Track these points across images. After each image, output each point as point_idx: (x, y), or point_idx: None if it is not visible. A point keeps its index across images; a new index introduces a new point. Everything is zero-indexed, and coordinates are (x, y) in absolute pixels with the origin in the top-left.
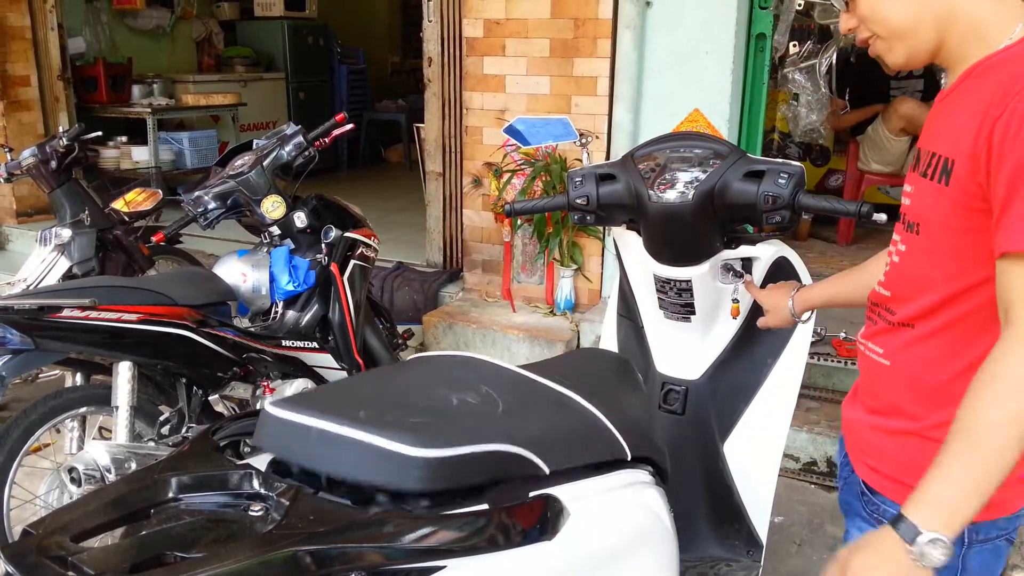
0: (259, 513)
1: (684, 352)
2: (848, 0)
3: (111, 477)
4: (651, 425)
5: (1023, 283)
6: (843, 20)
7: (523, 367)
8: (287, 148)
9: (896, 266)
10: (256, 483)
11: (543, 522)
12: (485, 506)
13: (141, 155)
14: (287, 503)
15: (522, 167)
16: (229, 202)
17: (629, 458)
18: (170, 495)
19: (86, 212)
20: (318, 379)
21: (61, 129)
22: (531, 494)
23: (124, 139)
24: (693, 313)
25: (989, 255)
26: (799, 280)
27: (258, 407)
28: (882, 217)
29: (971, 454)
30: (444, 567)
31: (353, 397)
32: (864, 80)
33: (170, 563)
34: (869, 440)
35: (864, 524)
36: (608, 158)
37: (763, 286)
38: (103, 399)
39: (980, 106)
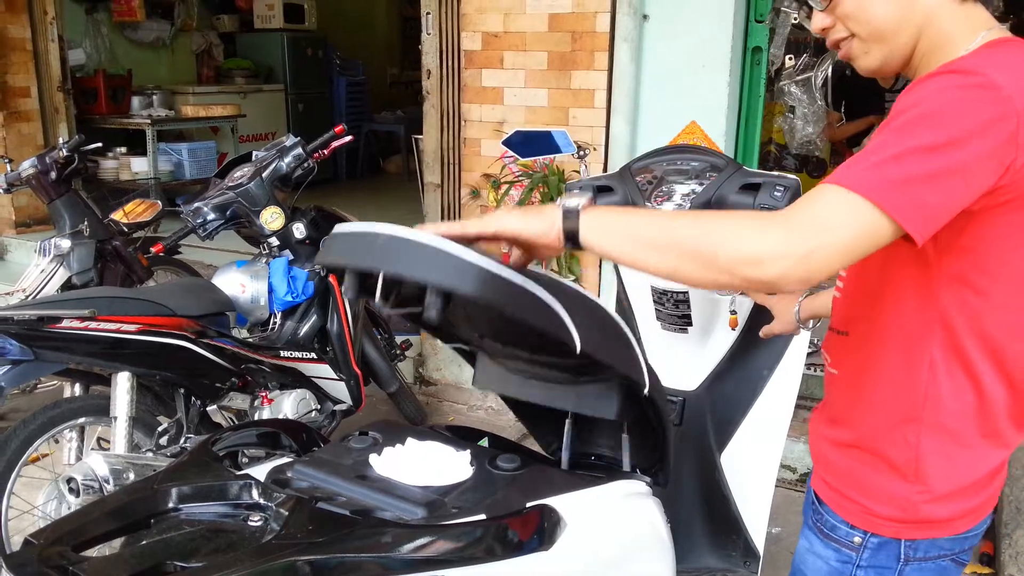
0: (258, 523)
1: (681, 363)
2: None
3: (109, 488)
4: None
5: (812, 200)
6: (816, 19)
7: None
8: (286, 160)
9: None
10: (255, 493)
11: (540, 532)
12: (482, 516)
13: (140, 166)
14: (286, 513)
15: (520, 179)
16: (228, 213)
17: (646, 388)
18: (170, 505)
19: (85, 223)
20: (317, 390)
21: (61, 140)
22: (527, 504)
23: (123, 150)
24: (690, 324)
25: (896, 262)
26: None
27: (255, 417)
28: None
29: (647, 218)
30: None
31: None
32: (860, 92)
33: (170, 572)
34: (822, 450)
35: (810, 534)
36: (605, 170)
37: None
38: (102, 410)
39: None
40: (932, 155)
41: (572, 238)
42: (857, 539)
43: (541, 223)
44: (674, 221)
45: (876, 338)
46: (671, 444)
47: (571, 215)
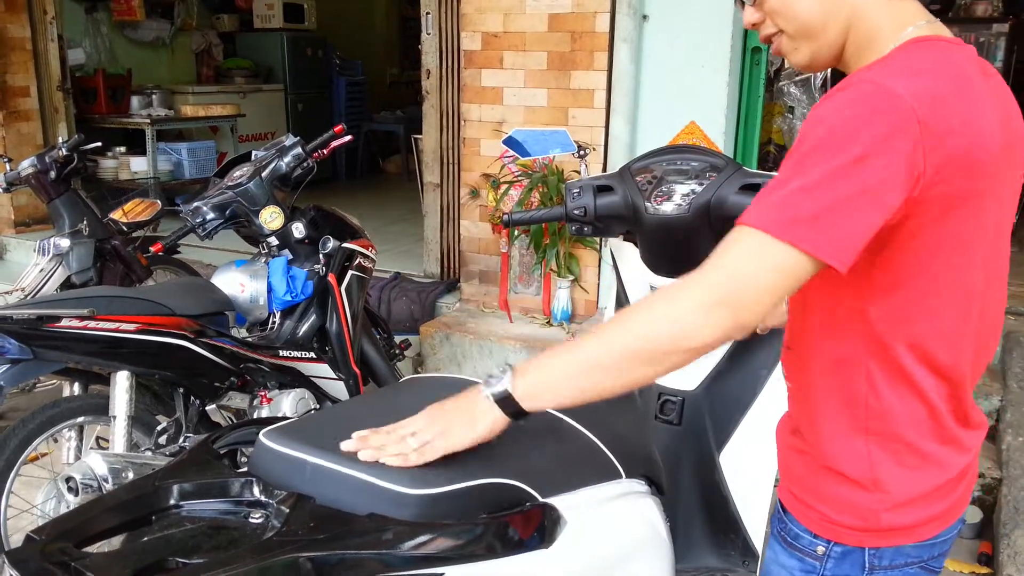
0: (259, 520)
1: None
2: None
3: (108, 486)
4: (645, 440)
5: (727, 247)
6: (747, 14)
7: None
8: (285, 159)
9: None
10: (256, 490)
11: (540, 530)
12: (483, 514)
13: (140, 166)
14: (287, 510)
15: (519, 178)
16: (227, 213)
17: (623, 477)
18: (171, 502)
19: (85, 222)
20: (316, 389)
21: (60, 139)
22: (528, 503)
23: (123, 150)
24: None
25: (820, 281)
26: None
27: (254, 416)
28: None
29: (574, 351)
30: (442, 574)
31: (346, 427)
32: None
33: (172, 569)
34: (786, 458)
35: (775, 543)
36: (605, 170)
37: None
38: (101, 409)
39: None
40: (837, 181)
41: (520, 415)
42: (820, 548)
43: (484, 423)
44: (601, 342)
45: (814, 353)
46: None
47: (506, 401)
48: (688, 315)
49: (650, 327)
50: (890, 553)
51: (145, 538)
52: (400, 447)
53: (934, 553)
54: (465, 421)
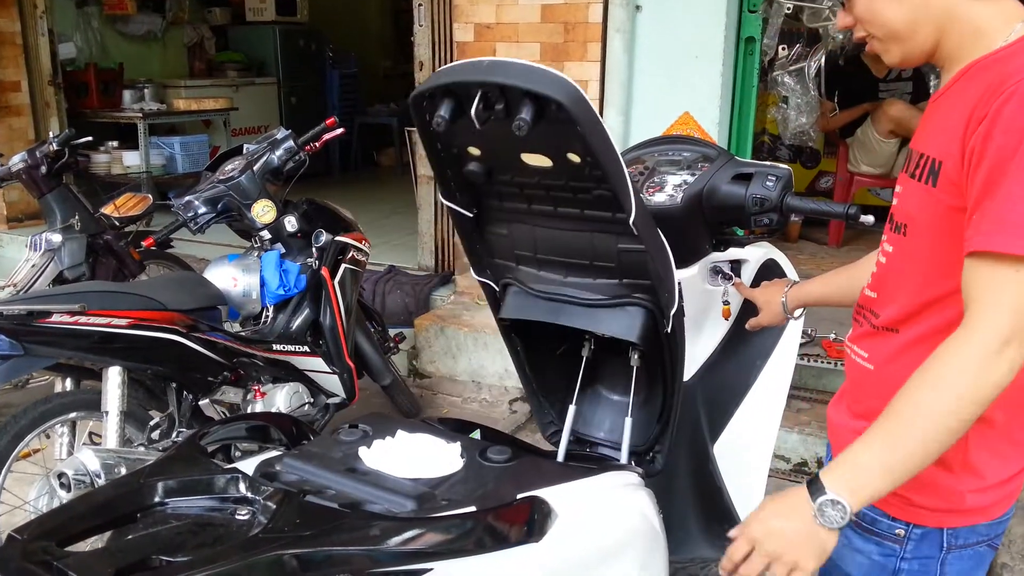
0: (246, 517)
1: None
2: (844, 1)
3: (101, 482)
4: None
5: (985, 284)
6: (840, 17)
7: None
8: (277, 152)
9: (883, 267)
10: (243, 487)
11: (530, 524)
12: (472, 508)
13: (132, 160)
14: (273, 507)
15: None
16: (220, 207)
17: (674, 306)
18: (156, 499)
19: (76, 217)
20: (309, 383)
21: (51, 134)
22: (518, 496)
23: (115, 144)
24: (683, 315)
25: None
26: None
27: (248, 411)
28: (869, 219)
29: (894, 434)
30: (431, 569)
31: None
32: (853, 82)
33: (156, 567)
34: (847, 442)
35: (846, 530)
36: None
37: (752, 288)
38: (93, 404)
39: (968, 107)
40: None
41: (840, 513)
42: (900, 531)
43: (831, 545)
44: (916, 425)
45: (932, 341)
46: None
47: (835, 518)
48: (987, 365)
49: (958, 395)
50: (965, 532)
51: (129, 536)
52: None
53: (999, 531)
54: (814, 550)
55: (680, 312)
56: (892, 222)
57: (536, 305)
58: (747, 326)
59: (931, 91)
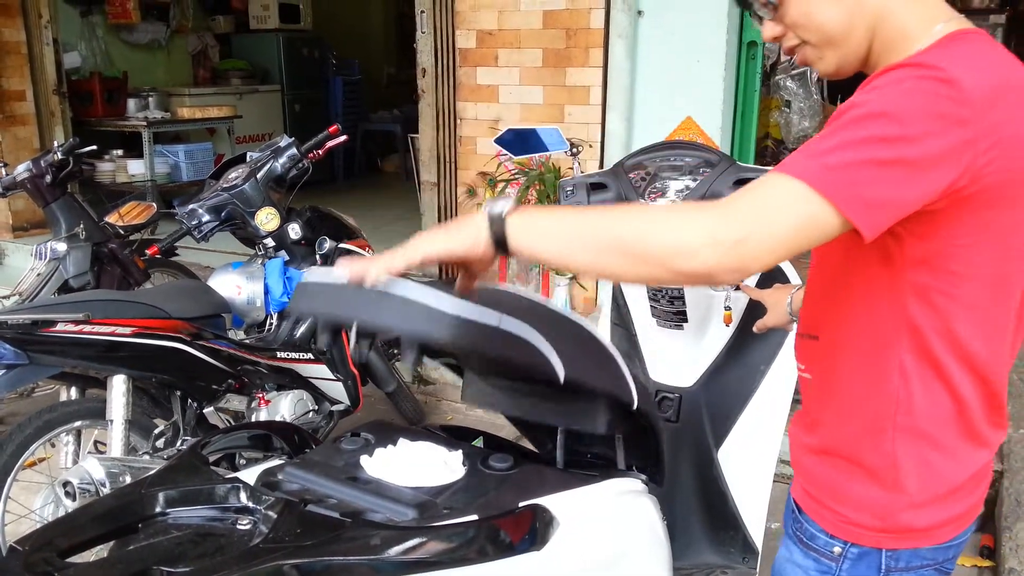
0: (247, 527)
1: (677, 360)
2: (775, 6)
3: (106, 491)
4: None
5: (755, 185)
6: (767, 28)
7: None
8: (281, 160)
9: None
10: (244, 496)
11: (532, 532)
12: (474, 516)
13: (137, 168)
14: (275, 516)
15: (516, 176)
16: (224, 215)
17: (634, 404)
18: (158, 510)
19: (81, 226)
20: (314, 390)
21: (56, 143)
22: (520, 504)
23: (120, 153)
24: (685, 321)
25: (860, 265)
26: None
27: (252, 419)
28: None
29: (576, 214)
30: None
31: None
32: (855, 86)
33: None
34: (800, 457)
35: (790, 543)
36: (601, 167)
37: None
38: (98, 413)
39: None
40: (883, 146)
41: (501, 244)
42: (837, 549)
43: (466, 236)
44: (604, 217)
45: (845, 343)
46: (665, 449)
47: (496, 220)
48: (695, 235)
49: (653, 228)
50: (907, 555)
51: (131, 547)
52: (384, 262)
53: (949, 556)
54: (447, 231)
55: (643, 396)
56: None
57: (498, 397)
58: (755, 328)
59: None
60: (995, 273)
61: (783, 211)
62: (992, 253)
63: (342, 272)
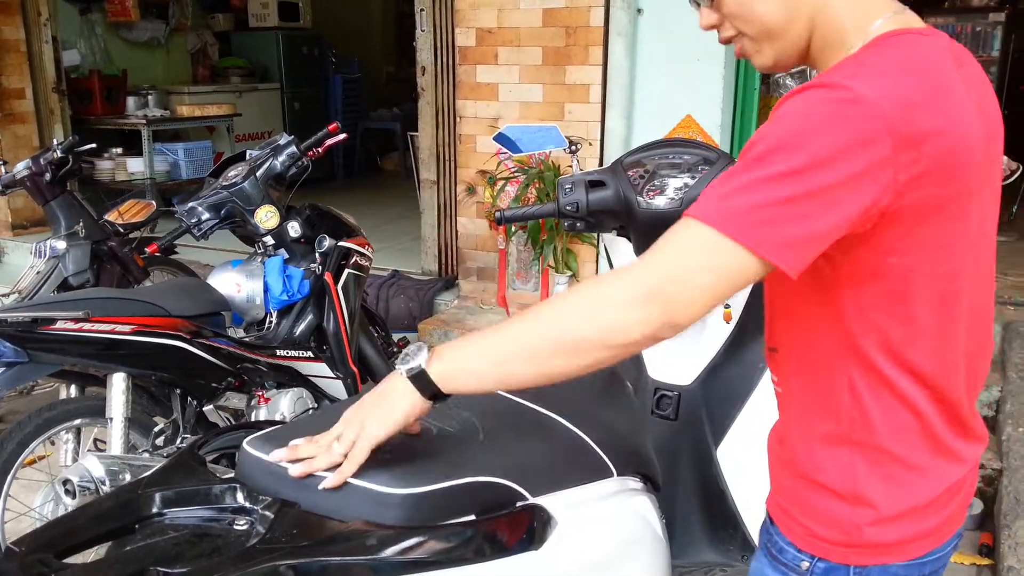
0: (244, 527)
1: (676, 357)
2: None
3: (106, 489)
4: (639, 437)
5: (667, 238)
6: (703, 16)
7: None
8: (280, 158)
9: None
10: (241, 497)
11: (530, 532)
12: (472, 517)
13: (136, 166)
14: (271, 516)
15: (516, 174)
16: (223, 213)
17: (615, 475)
18: (155, 510)
19: (81, 224)
20: (313, 388)
21: (55, 141)
22: (517, 504)
23: (119, 151)
24: None
25: (798, 288)
26: None
27: (252, 417)
28: None
29: (496, 334)
30: None
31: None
32: None
33: None
34: (773, 468)
35: (761, 555)
36: (601, 164)
37: (753, 291)
38: (98, 411)
39: None
40: (790, 181)
41: (436, 397)
42: (805, 564)
43: (401, 407)
44: (526, 327)
45: (796, 358)
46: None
47: (421, 378)
48: (616, 309)
49: (576, 318)
50: (876, 572)
51: (127, 547)
52: (329, 457)
53: (925, 572)
54: (382, 410)
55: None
56: None
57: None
58: None
59: None
60: (938, 290)
61: (701, 264)
62: (931, 270)
63: (283, 455)
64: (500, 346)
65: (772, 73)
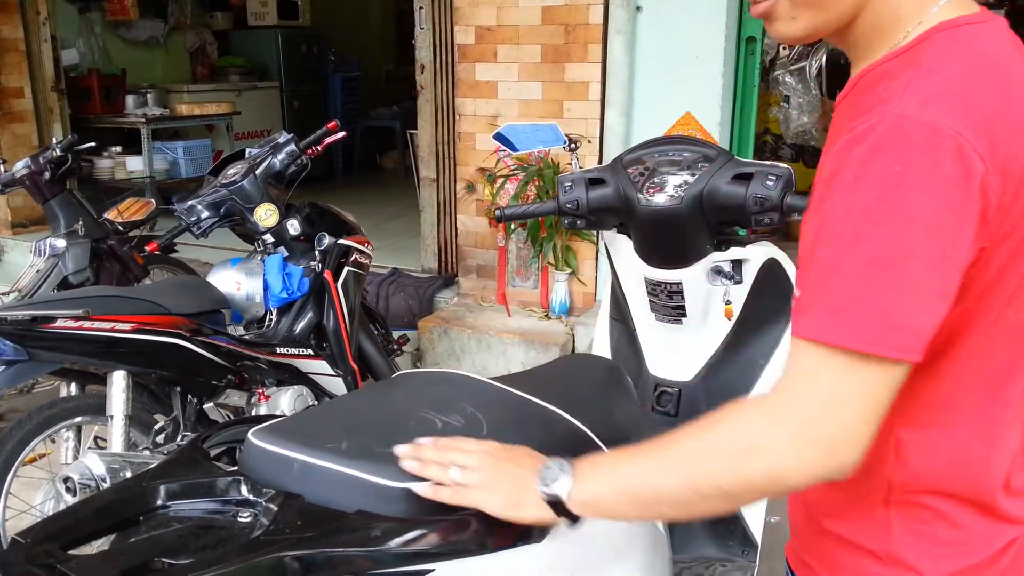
0: (247, 519)
1: (677, 354)
2: None
3: (106, 486)
4: (640, 433)
5: (799, 366)
6: None
7: (508, 379)
8: (279, 156)
9: None
10: (245, 489)
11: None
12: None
13: (136, 165)
14: (275, 508)
15: (515, 172)
16: (222, 211)
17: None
18: (159, 502)
19: (80, 222)
20: (314, 386)
21: (55, 140)
22: None
23: (119, 149)
24: (684, 315)
25: None
26: (789, 282)
27: (252, 414)
28: None
29: (648, 472)
30: (433, 570)
31: (336, 424)
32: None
33: (158, 570)
34: (795, 515)
35: None
36: (600, 162)
37: (754, 287)
38: (98, 409)
39: (840, 132)
40: (908, 262)
41: (572, 519)
42: None
43: (527, 515)
44: (667, 471)
45: None
46: None
47: (559, 506)
48: (783, 452)
49: (726, 468)
50: None
51: (132, 539)
52: (440, 475)
53: None
54: (513, 497)
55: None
56: None
57: None
58: None
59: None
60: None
61: (848, 397)
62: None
63: (406, 451)
64: (646, 492)
65: (793, 45)
